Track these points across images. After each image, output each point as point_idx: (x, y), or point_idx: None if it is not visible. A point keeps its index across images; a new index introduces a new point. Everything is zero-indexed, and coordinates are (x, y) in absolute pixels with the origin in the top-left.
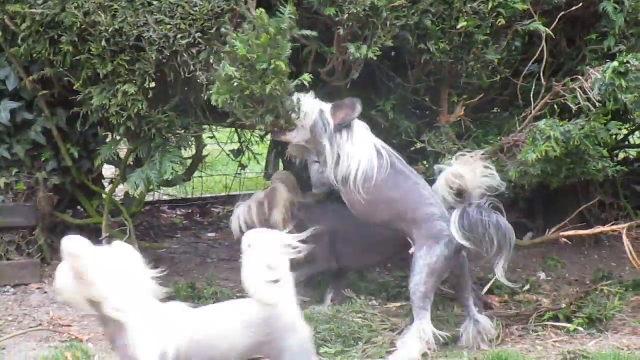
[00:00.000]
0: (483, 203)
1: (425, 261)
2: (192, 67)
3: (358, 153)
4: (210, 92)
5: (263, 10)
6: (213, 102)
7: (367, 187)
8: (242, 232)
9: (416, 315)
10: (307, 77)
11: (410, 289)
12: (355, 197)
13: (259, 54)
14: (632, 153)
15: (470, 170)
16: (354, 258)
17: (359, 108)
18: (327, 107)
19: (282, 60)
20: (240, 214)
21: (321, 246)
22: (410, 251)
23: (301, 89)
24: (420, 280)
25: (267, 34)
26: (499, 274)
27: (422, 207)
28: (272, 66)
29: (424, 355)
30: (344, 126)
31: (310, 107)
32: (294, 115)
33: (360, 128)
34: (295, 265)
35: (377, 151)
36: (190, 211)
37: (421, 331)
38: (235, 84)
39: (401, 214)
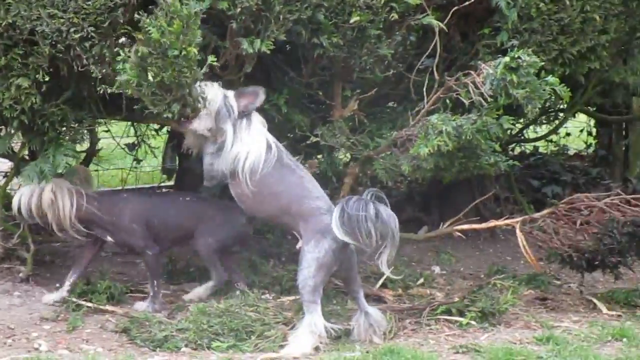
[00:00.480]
0: (365, 195)
1: (313, 255)
2: (85, 61)
3: (249, 144)
4: (116, 79)
5: None
6: (122, 89)
7: (253, 179)
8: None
9: (306, 309)
10: (212, 58)
11: (299, 283)
12: (243, 190)
13: (171, 40)
14: (528, 147)
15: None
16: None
17: (261, 96)
18: (230, 93)
19: (193, 47)
20: (23, 196)
21: (135, 236)
22: (298, 246)
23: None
24: (308, 274)
25: (180, 20)
26: (382, 265)
27: (307, 201)
28: (184, 53)
29: (316, 348)
30: (244, 114)
31: (214, 93)
32: (199, 104)
33: (258, 121)
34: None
35: (268, 145)
36: None
37: (312, 325)
38: (147, 69)
39: (285, 207)
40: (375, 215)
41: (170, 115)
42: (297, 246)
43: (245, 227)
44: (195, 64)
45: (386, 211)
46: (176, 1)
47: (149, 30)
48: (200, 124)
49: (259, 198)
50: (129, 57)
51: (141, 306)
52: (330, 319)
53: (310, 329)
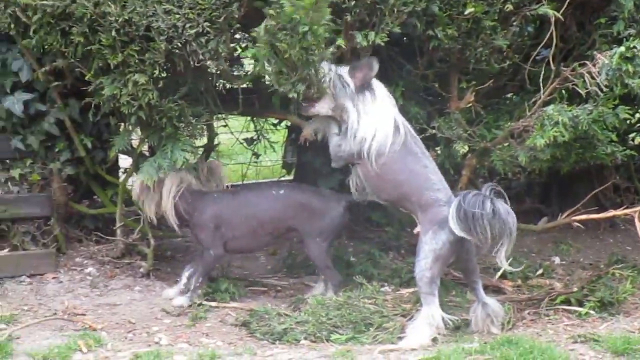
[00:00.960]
0: (484, 190)
1: (431, 247)
2: (201, 56)
3: (375, 123)
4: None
5: None
6: (250, 61)
7: (378, 162)
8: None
9: (424, 301)
10: (341, 42)
11: (416, 274)
12: (369, 171)
13: (302, 15)
14: None
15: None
16: (239, 242)
17: (376, 65)
18: (344, 69)
19: (322, 26)
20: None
21: (207, 233)
22: (415, 230)
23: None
24: (425, 265)
25: None
26: (501, 261)
27: (428, 192)
28: (312, 30)
29: (434, 340)
30: (365, 87)
31: (327, 71)
32: (324, 84)
33: (384, 94)
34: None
35: (396, 126)
36: None
37: (430, 316)
38: (276, 46)
39: (406, 195)
40: (492, 212)
41: (295, 95)
42: (415, 231)
43: (344, 217)
44: (323, 42)
45: (504, 207)
46: None
47: (283, 3)
48: (323, 106)
49: (381, 182)
50: (260, 34)
51: (176, 298)
52: (448, 310)
53: (428, 321)
